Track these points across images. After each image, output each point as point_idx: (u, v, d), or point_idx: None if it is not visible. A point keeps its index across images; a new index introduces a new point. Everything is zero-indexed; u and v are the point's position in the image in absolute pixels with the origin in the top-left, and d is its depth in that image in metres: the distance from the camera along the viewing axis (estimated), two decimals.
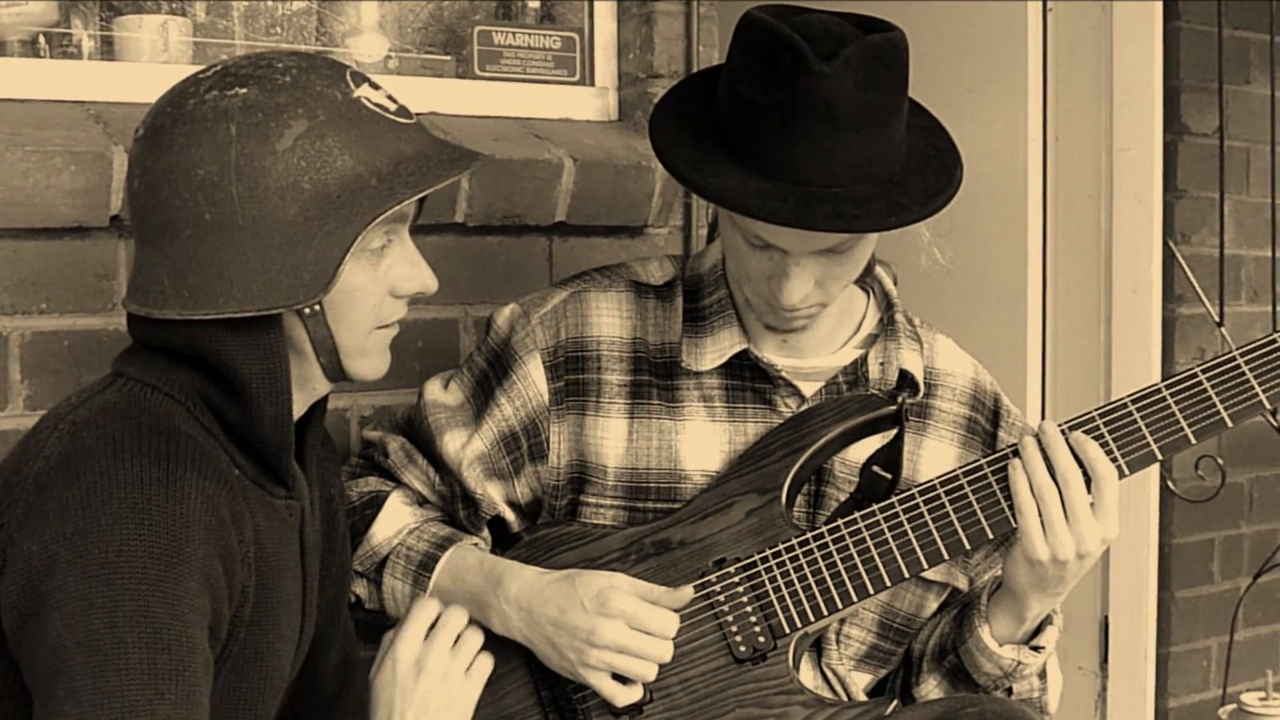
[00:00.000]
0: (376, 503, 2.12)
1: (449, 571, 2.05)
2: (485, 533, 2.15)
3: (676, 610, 1.97)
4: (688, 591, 1.99)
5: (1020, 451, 1.96)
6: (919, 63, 2.03)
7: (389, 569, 2.09)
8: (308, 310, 1.72)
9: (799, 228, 1.88)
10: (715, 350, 2.09)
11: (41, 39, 2.38)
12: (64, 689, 1.55)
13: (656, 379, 2.11)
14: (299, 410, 1.84)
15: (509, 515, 2.14)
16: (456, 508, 2.13)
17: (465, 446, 2.11)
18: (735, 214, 1.95)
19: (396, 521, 2.10)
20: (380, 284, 1.77)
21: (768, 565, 2.01)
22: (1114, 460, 1.97)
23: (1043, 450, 1.96)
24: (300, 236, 1.67)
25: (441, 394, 2.18)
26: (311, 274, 1.68)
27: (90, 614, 1.56)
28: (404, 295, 1.80)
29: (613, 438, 2.09)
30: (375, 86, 1.77)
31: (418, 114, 2.51)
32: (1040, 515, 1.94)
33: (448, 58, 2.73)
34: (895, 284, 2.21)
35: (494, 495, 2.12)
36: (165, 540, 1.59)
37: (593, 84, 2.80)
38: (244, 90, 1.70)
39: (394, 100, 1.78)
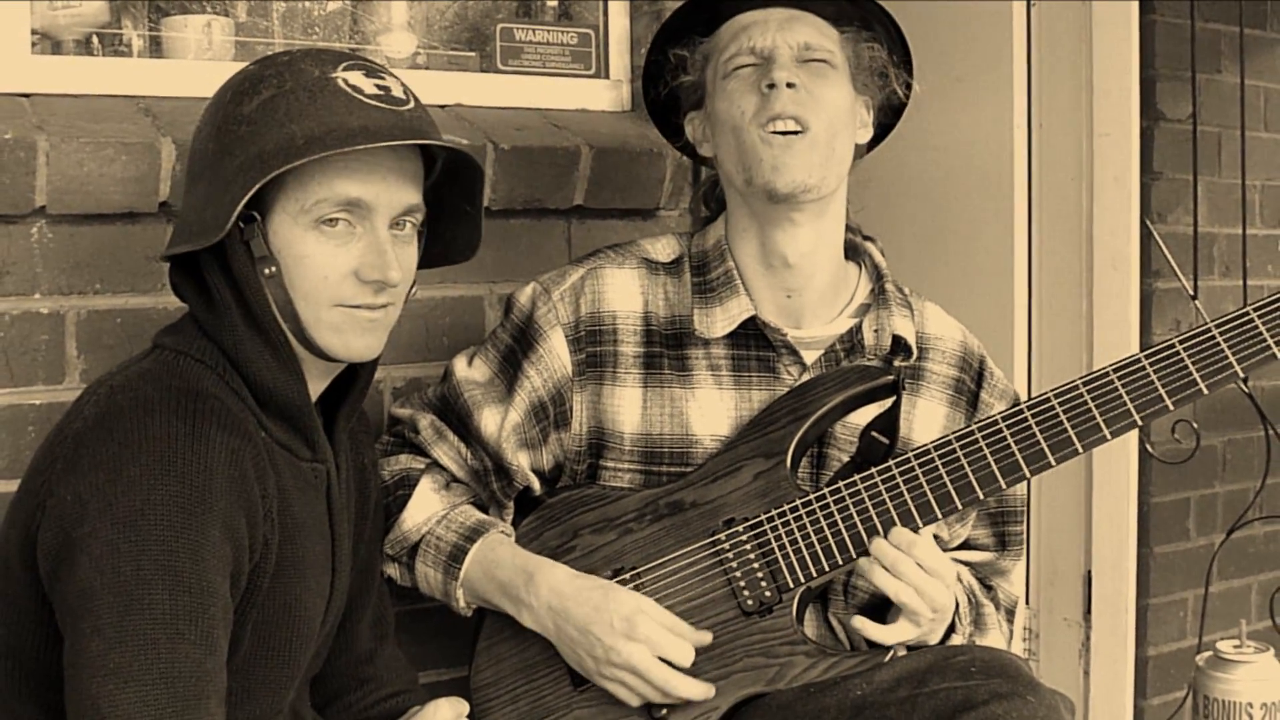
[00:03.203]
0: (408, 483, 2.12)
1: (478, 564, 2.05)
2: (511, 505, 2.15)
3: (696, 645, 1.98)
4: (707, 635, 1.99)
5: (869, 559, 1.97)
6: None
7: (420, 556, 2.09)
8: (267, 271, 1.72)
9: None
10: (726, 318, 2.09)
11: (94, 38, 2.38)
12: (90, 626, 1.56)
13: (668, 350, 2.11)
14: (319, 384, 1.84)
15: (534, 483, 2.14)
16: (490, 481, 2.13)
17: (504, 420, 2.11)
18: (727, 45, 2.08)
19: (426, 509, 2.10)
20: (336, 260, 1.73)
21: (773, 524, 2.01)
22: (1097, 427, 1.96)
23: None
24: (229, 186, 1.69)
25: (470, 370, 2.17)
26: (214, 217, 1.69)
27: (117, 557, 1.57)
28: (366, 281, 1.75)
29: (628, 406, 2.09)
30: (370, 75, 1.75)
31: (444, 105, 2.50)
32: (913, 587, 1.95)
33: (472, 53, 2.72)
34: (883, 256, 2.21)
35: (524, 464, 2.12)
36: (189, 491, 1.60)
37: (607, 77, 2.79)
38: (253, 68, 1.75)
39: (385, 89, 1.75)
